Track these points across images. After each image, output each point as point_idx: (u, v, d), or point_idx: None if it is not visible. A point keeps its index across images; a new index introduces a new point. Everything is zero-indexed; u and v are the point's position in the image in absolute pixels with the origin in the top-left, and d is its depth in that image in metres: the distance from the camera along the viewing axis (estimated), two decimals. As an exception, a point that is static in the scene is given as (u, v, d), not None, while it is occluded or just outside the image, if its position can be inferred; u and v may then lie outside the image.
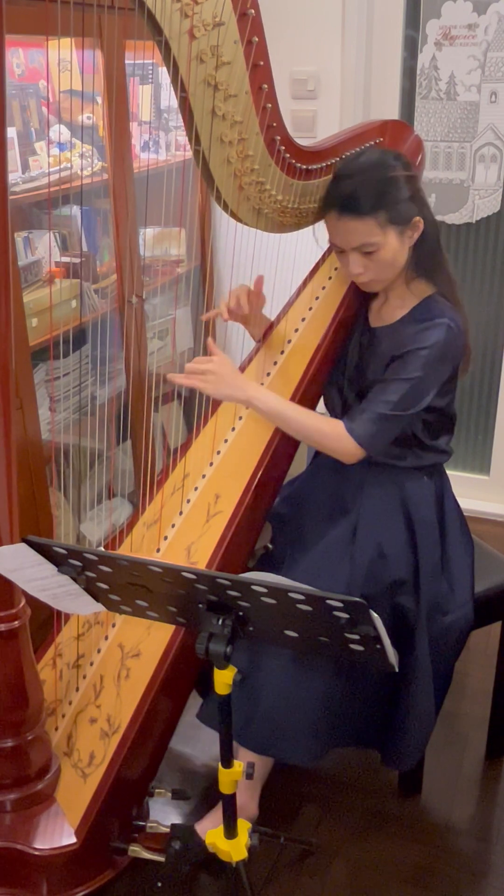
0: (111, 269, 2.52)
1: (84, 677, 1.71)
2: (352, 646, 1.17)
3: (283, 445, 1.75)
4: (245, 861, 1.43)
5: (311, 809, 1.88)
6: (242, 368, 1.87)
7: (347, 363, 1.80)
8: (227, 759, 1.34)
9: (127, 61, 2.33)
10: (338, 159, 1.72)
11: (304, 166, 1.67)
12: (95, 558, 1.22)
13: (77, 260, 2.40)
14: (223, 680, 1.26)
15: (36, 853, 1.52)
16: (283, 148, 1.61)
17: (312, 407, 1.78)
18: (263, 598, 1.15)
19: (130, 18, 1.47)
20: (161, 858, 1.59)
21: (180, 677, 1.64)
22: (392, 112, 2.80)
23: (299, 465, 1.93)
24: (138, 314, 2.54)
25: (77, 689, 1.70)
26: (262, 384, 1.79)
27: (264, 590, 1.13)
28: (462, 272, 2.90)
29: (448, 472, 1.84)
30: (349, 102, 2.77)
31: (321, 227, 1.72)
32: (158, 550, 1.73)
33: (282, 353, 1.87)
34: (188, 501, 1.76)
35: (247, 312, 1.82)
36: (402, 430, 1.68)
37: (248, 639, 1.26)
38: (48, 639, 1.82)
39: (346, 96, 2.76)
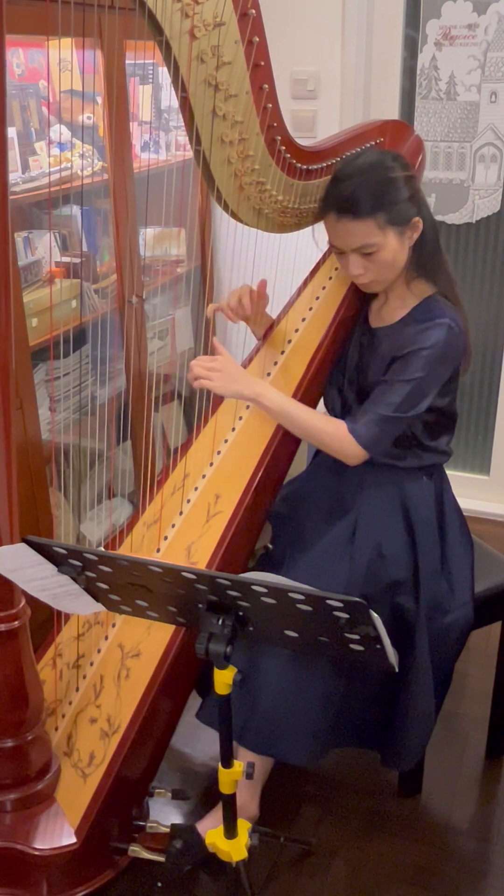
0: (111, 269, 2.52)
1: (84, 677, 1.71)
2: (352, 646, 1.17)
3: (283, 446, 1.75)
4: (245, 861, 1.43)
5: (311, 809, 1.88)
6: (243, 367, 1.87)
7: (347, 363, 1.80)
8: (227, 759, 1.34)
9: (127, 61, 2.33)
10: (338, 159, 1.72)
11: (305, 166, 1.67)
12: (95, 558, 1.22)
13: (77, 260, 2.40)
14: (223, 680, 1.26)
15: (36, 853, 1.52)
16: (284, 148, 1.61)
17: (313, 406, 1.78)
18: (263, 598, 1.15)
19: (131, 18, 1.47)
20: (161, 858, 1.60)
21: (180, 677, 1.64)
22: (392, 112, 2.80)
23: (299, 464, 1.93)
24: (138, 314, 2.54)
25: (77, 689, 1.70)
26: (264, 383, 1.80)
27: (264, 590, 1.13)
28: (462, 272, 2.90)
29: (448, 472, 1.84)
30: (349, 102, 2.77)
31: (320, 229, 1.72)
32: (158, 550, 1.73)
33: (282, 352, 1.87)
34: (188, 501, 1.76)
35: (248, 314, 1.82)
36: (402, 431, 1.68)
37: (248, 639, 1.26)
38: (48, 639, 1.82)
39: (346, 96, 2.76)
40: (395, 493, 1.74)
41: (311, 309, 1.89)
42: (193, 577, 1.16)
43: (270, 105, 1.54)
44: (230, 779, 1.36)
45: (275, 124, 1.57)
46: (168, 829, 1.61)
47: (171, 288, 2.89)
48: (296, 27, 2.67)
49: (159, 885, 1.67)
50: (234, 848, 1.41)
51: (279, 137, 1.59)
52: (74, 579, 1.28)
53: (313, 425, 1.69)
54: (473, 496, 3.03)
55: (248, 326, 1.94)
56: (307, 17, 2.67)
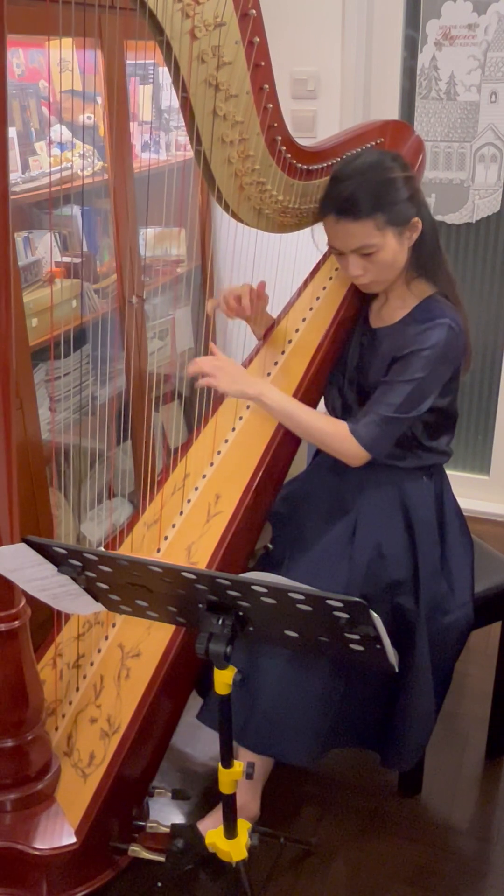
0: (111, 269, 2.52)
1: (84, 677, 1.71)
2: (352, 646, 1.17)
3: (283, 446, 1.75)
4: (245, 861, 1.43)
5: (311, 809, 1.88)
6: (244, 367, 1.87)
7: (348, 364, 1.80)
8: (227, 759, 1.34)
9: (127, 61, 2.33)
10: (338, 160, 1.72)
11: (305, 166, 1.67)
12: (95, 558, 1.23)
13: (77, 260, 2.40)
14: (223, 680, 1.26)
15: (36, 853, 1.52)
16: (284, 148, 1.61)
17: (313, 407, 1.78)
18: (263, 598, 1.15)
19: (131, 18, 1.47)
20: (161, 858, 1.59)
21: (180, 677, 1.64)
22: (392, 112, 2.80)
23: (299, 464, 1.93)
24: (138, 314, 2.54)
25: (77, 689, 1.70)
26: (264, 383, 1.80)
27: (264, 590, 1.13)
28: (462, 272, 2.90)
29: (448, 472, 1.85)
30: (349, 102, 2.77)
31: (320, 231, 1.72)
32: (159, 550, 1.73)
33: (282, 352, 1.87)
34: (188, 501, 1.76)
35: (248, 314, 1.82)
36: (403, 431, 1.68)
37: (248, 639, 1.26)
38: (48, 639, 1.82)
39: (346, 96, 2.76)
40: (395, 493, 1.74)
41: (311, 309, 1.89)
42: (193, 577, 1.16)
43: (271, 105, 1.54)
44: (230, 779, 1.36)
45: (275, 124, 1.57)
46: (168, 829, 1.61)
47: (171, 288, 2.89)
48: (296, 27, 2.67)
49: (159, 885, 1.67)
50: (234, 848, 1.41)
51: (280, 137, 1.59)
52: (74, 579, 1.28)
53: (314, 425, 1.69)
54: (473, 496, 3.03)
55: (248, 326, 1.94)
56: (307, 17, 2.67)
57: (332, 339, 1.80)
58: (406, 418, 1.64)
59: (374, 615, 1.09)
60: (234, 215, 1.67)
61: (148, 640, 1.65)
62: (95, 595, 1.33)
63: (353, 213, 1.58)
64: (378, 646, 1.14)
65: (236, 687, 1.26)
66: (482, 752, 2.03)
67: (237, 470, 1.74)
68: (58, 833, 1.54)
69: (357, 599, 1.07)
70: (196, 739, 2.03)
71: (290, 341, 1.88)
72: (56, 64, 2.27)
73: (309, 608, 1.13)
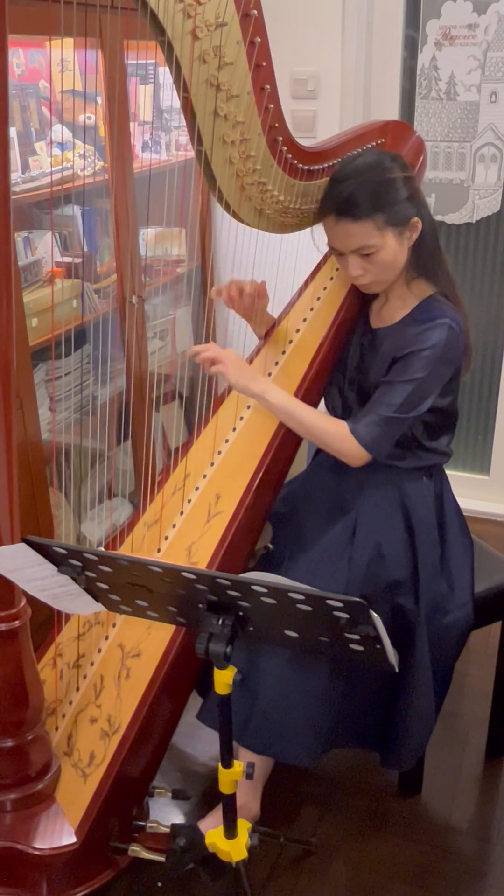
0: (111, 269, 2.52)
1: (84, 677, 1.71)
2: (352, 646, 1.17)
3: (284, 446, 1.75)
4: (245, 861, 1.43)
5: (311, 809, 1.88)
6: (244, 367, 1.87)
7: (348, 364, 1.80)
8: (227, 759, 1.34)
9: (128, 61, 2.33)
10: (339, 160, 1.72)
11: (306, 167, 1.67)
12: (95, 558, 1.23)
13: (77, 260, 2.40)
14: (223, 680, 1.26)
15: (36, 853, 1.52)
16: (286, 149, 1.61)
17: (314, 407, 1.78)
18: (263, 598, 1.15)
19: (131, 18, 1.47)
20: (161, 858, 1.59)
21: (180, 677, 1.64)
22: (392, 112, 2.80)
23: (300, 464, 1.93)
24: (138, 314, 2.54)
25: (77, 689, 1.70)
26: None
27: (264, 590, 1.13)
28: (462, 272, 2.90)
29: (448, 472, 1.85)
30: (349, 102, 2.77)
31: (320, 232, 1.72)
32: (159, 550, 1.73)
33: (283, 352, 1.87)
34: (189, 501, 1.77)
35: (247, 305, 1.82)
36: (404, 432, 1.68)
37: (248, 639, 1.26)
38: (48, 639, 1.82)
39: (346, 96, 2.76)
40: (395, 493, 1.74)
41: (311, 309, 1.89)
42: (193, 577, 1.16)
43: (272, 105, 1.54)
44: (230, 779, 1.36)
45: (276, 125, 1.57)
46: (168, 829, 1.61)
47: (171, 288, 2.89)
48: (296, 27, 2.67)
49: (159, 885, 1.67)
50: (234, 848, 1.41)
51: (281, 138, 1.59)
52: (74, 579, 1.28)
53: (315, 424, 1.69)
54: (473, 496, 3.03)
55: (248, 326, 1.94)
56: (307, 17, 2.67)
57: (332, 339, 1.80)
58: (406, 418, 1.64)
59: (374, 615, 1.09)
60: (234, 215, 1.67)
61: (148, 640, 1.65)
62: (95, 595, 1.33)
63: (353, 214, 1.58)
64: (378, 646, 1.14)
65: (236, 687, 1.27)
66: (482, 752, 2.03)
67: (238, 470, 1.74)
68: (58, 833, 1.54)
69: (357, 599, 1.07)
70: (196, 739, 2.03)
71: (290, 341, 1.88)
72: (56, 64, 2.27)
73: (309, 608, 1.13)
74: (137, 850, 1.62)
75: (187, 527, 1.73)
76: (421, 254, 1.67)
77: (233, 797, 1.39)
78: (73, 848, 1.52)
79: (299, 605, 1.13)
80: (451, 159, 2.81)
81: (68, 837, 1.53)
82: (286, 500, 1.87)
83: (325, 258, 1.98)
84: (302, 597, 1.11)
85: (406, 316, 1.69)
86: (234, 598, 1.18)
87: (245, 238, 1.76)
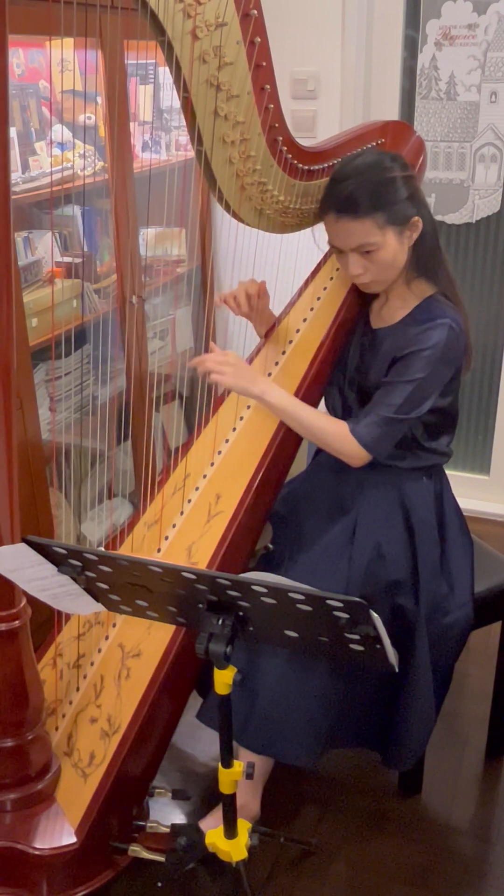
0: (111, 269, 2.52)
1: (84, 677, 1.71)
2: (352, 646, 1.17)
3: (284, 446, 1.75)
4: (245, 861, 1.43)
5: (311, 809, 1.88)
6: (245, 366, 1.87)
7: (348, 364, 1.80)
8: (227, 759, 1.34)
9: (127, 61, 2.33)
10: (339, 160, 1.72)
11: (306, 167, 1.67)
12: (95, 558, 1.23)
13: (77, 260, 2.40)
14: (223, 680, 1.26)
15: (36, 853, 1.52)
16: (286, 149, 1.61)
17: (314, 406, 1.78)
18: (263, 598, 1.15)
19: (131, 18, 1.47)
20: (161, 858, 1.59)
21: (180, 677, 1.64)
22: (392, 112, 2.81)
23: (299, 464, 1.93)
24: (138, 314, 2.54)
25: (77, 689, 1.70)
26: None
27: (264, 590, 1.13)
28: (462, 272, 2.90)
29: (448, 472, 1.85)
30: (349, 102, 2.77)
31: (321, 230, 1.73)
32: (159, 550, 1.73)
33: (283, 352, 1.87)
34: (189, 501, 1.76)
35: (246, 311, 1.82)
36: (404, 432, 1.68)
37: (248, 639, 1.26)
38: (48, 639, 1.82)
39: (346, 96, 2.76)
40: (395, 493, 1.74)
41: (312, 309, 1.89)
42: (193, 577, 1.16)
43: (272, 105, 1.54)
44: (230, 779, 1.36)
45: (276, 125, 1.57)
46: (168, 829, 1.61)
47: (171, 288, 2.89)
48: (296, 27, 2.67)
49: (159, 884, 1.67)
50: (234, 848, 1.41)
51: (281, 138, 1.59)
52: (74, 579, 1.28)
53: (316, 424, 1.70)
54: (473, 496, 3.03)
55: (249, 325, 1.94)
56: (307, 17, 2.67)
57: (333, 338, 1.80)
58: (407, 419, 1.64)
59: (374, 615, 1.09)
60: (235, 215, 1.67)
61: (148, 640, 1.65)
62: (95, 595, 1.33)
63: (354, 212, 1.58)
64: (378, 646, 1.14)
65: (236, 687, 1.27)
66: (482, 752, 2.03)
67: (238, 470, 1.74)
68: (58, 833, 1.54)
69: (357, 599, 1.07)
70: (196, 739, 2.03)
71: (291, 341, 1.88)
72: (56, 64, 2.28)
73: (309, 608, 1.13)
74: (137, 850, 1.62)
75: (187, 527, 1.73)
76: (421, 253, 1.67)
77: (233, 797, 1.39)
78: (73, 848, 1.52)
79: (299, 605, 1.13)
80: (451, 159, 2.81)
81: (68, 837, 1.53)
82: (286, 500, 1.87)
83: (326, 258, 1.98)
84: (302, 597, 1.11)
85: (406, 316, 1.69)
86: (234, 598, 1.18)
87: (245, 238, 1.76)
